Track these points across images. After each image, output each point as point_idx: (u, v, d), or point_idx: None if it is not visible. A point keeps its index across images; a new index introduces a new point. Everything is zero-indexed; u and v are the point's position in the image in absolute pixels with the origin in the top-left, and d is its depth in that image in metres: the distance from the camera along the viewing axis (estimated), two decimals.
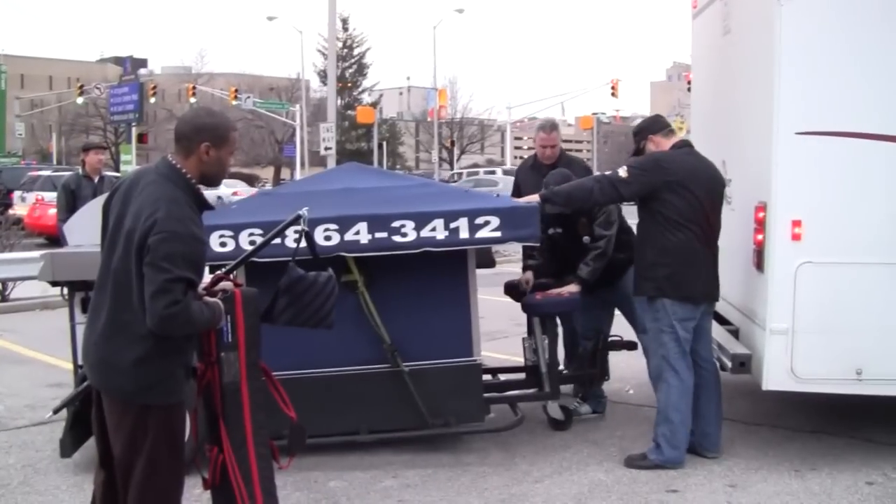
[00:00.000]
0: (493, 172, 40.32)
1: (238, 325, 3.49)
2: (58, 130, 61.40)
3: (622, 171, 5.18)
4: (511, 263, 15.80)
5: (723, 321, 5.83)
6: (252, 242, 4.79)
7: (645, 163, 5.21)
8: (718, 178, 5.28)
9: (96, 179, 9.20)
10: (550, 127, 6.46)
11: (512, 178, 7.35)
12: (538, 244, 5.39)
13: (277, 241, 4.69)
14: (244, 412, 3.52)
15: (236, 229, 4.94)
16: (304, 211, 3.80)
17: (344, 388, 5.34)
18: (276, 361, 5.18)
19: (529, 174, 6.50)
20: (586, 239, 5.76)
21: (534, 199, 5.37)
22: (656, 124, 5.47)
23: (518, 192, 6.39)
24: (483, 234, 5.05)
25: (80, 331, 5.30)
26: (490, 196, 5.74)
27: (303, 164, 46.40)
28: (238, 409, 3.50)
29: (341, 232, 4.98)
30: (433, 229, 5.02)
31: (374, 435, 5.38)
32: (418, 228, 5.01)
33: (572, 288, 5.74)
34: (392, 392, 5.35)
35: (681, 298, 5.07)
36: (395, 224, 5.00)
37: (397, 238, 5.01)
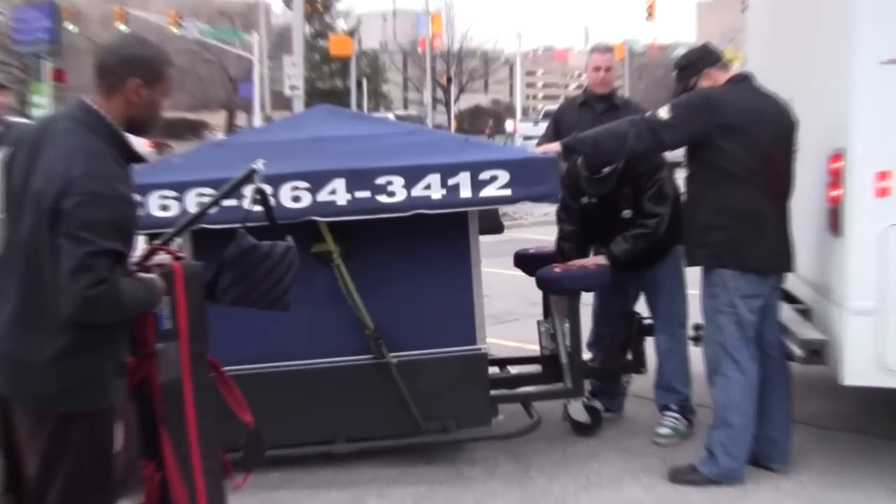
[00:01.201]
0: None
1: (179, 309, 3.45)
2: None
3: (664, 112, 5.15)
4: (522, 228, 15.94)
5: (790, 299, 5.81)
6: (201, 205, 4.75)
7: (692, 101, 5.18)
8: (787, 118, 5.22)
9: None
10: (605, 47, 6.65)
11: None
12: (557, 203, 5.38)
13: (232, 202, 4.73)
14: (188, 418, 3.49)
15: (181, 188, 4.94)
16: (259, 164, 3.81)
17: (316, 386, 5.34)
18: (229, 353, 5.18)
19: (578, 115, 6.48)
20: (626, 213, 5.78)
21: (552, 148, 5.38)
22: (711, 55, 5.43)
23: (557, 136, 6.36)
24: (489, 192, 5.06)
25: None
26: (497, 145, 5.76)
27: (263, 108, 46.31)
28: (180, 415, 3.47)
29: (313, 191, 4.97)
30: (427, 187, 5.02)
31: (353, 444, 5.39)
32: (409, 186, 5.01)
33: (598, 260, 5.75)
34: (376, 390, 5.35)
35: (743, 269, 5.05)
36: (380, 181, 5.00)
37: (382, 198, 5.00)
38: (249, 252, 3.74)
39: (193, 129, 47.27)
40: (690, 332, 5.95)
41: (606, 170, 5.57)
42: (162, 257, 3.53)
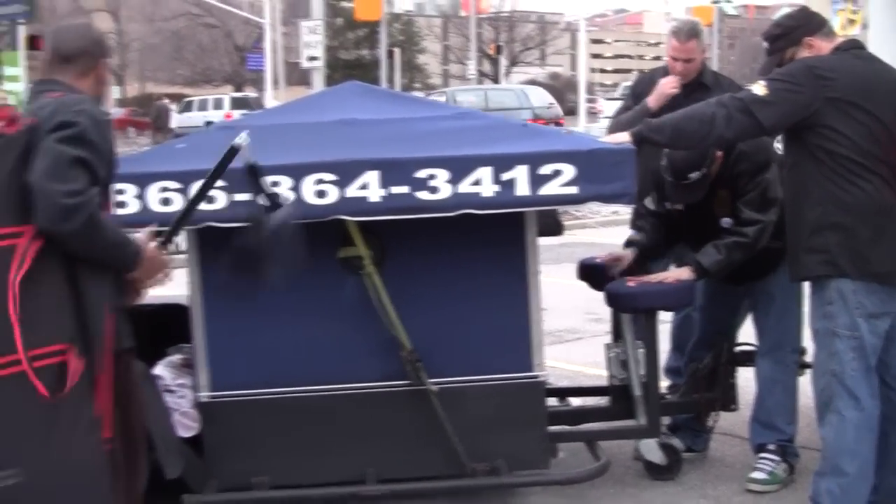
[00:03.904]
0: None
1: None
2: None
3: (758, 88, 5.05)
4: (586, 230, 15.90)
5: None
6: (210, 199, 4.83)
7: (793, 72, 5.07)
8: None
9: None
10: (688, 33, 6.50)
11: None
12: (631, 205, 5.38)
13: (245, 196, 4.82)
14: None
15: (185, 179, 4.94)
16: (241, 138, 4.17)
17: (342, 416, 5.40)
18: (238, 375, 5.32)
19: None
20: (726, 221, 5.70)
21: (623, 137, 5.34)
22: (813, 20, 5.34)
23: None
24: (550, 189, 5.05)
25: None
26: (559, 133, 5.74)
27: (276, 83, 46.53)
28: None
29: (341, 185, 4.99)
30: (476, 182, 5.02)
31: (385, 486, 5.41)
32: (455, 181, 5.02)
33: (682, 273, 5.73)
34: (413, 422, 5.40)
35: (868, 278, 4.92)
36: (421, 174, 5.01)
37: (423, 195, 5.02)
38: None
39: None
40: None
41: (695, 175, 5.52)
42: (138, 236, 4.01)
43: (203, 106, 48.25)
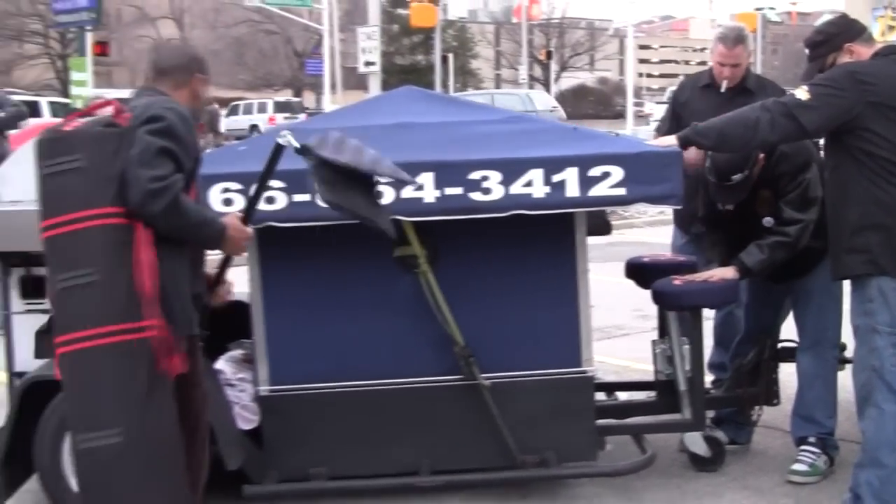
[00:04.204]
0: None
1: None
2: None
3: (801, 93, 5.06)
4: (633, 230, 15.88)
5: None
6: (270, 199, 4.89)
7: (835, 77, 5.07)
8: None
9: None
10: (735, 39, 6.46)
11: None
12: (678, 206, 5.37)
13: (305, 197, 4.89)
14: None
15: (247, 180, 4.93)
16: (285, 137, 4.35)
17: (396, 409, 5.43)
18: (296, 369, 5.35)
19: (701, 98, 6.51)
20: (767, 221, 5.69)
21: (670, 141, 5.34)
22: (853, 27, 5.33)
23: (677, 124, 6.39)
24: (599, 190, 5.07)
25: (20, 324, 5.50)
26: (608, 136, 5.74)
27: (333, 87, 46.63)
28: None
29: (396, 186, 5.02)
30: (528, 184, 5.04)
31: (438, 477, 5.44)
32: (507, 182, 5.04)
33: (726, 272, 5.71)
34: (465, 416, 5.42)
35: None
36: (474, 176, 5.03)
37: (476, 196, 5.04)
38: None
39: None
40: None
41: (738, 177, 5.49)
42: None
43: (248, 109, 48.49)
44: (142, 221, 3.99)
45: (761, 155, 5.52)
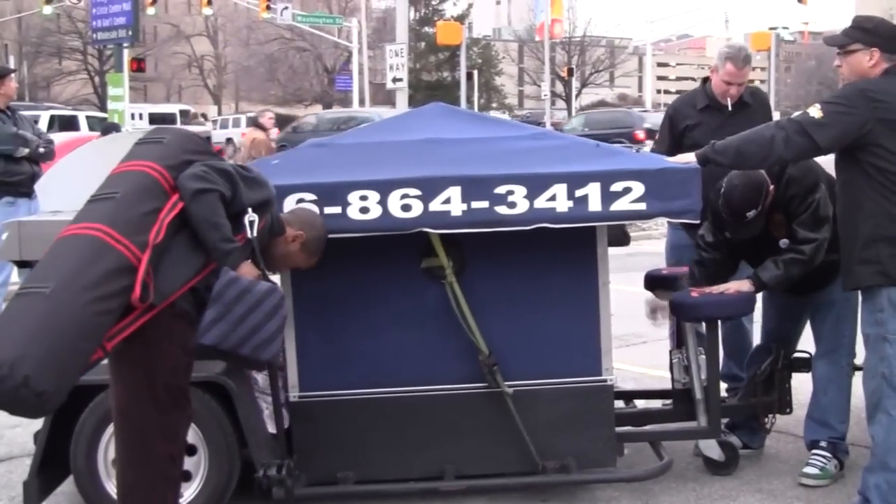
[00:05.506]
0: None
1: None
2: (17, 52, 62.49)
3: (814, 111, 5.08)
4: (651, 241, 15.81)
5: None
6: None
7: (847, 95, 5.08)
8: None
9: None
10: (745, 59, 6.49)
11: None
12: (697, 220, 5.36)
13: (336, 209, 4.87)
14: None
15: (278, 193, 4.94)
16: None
17: (422, 415, 5.43)
18: (327, 377, 5.36)
19: (701, 117, 6.52)
20: (784, 242, 5.66)
21: (689, 158, 5.33)
22: (892, 40, 5.16)
23: (674, 142, 6.42)
24: (621, 205, 5.06)
25: None
26: (629, 152, 5.72)
27: (362, 102, 46.78)
28: None
29: (425, 199, 5.02)
30: (552, 198, 5.03)
31: (462, 481, 5.44)
32: (531, 196, 5.03)
33: (742, 285, 5.70)
34: (488, 422, 5.42)
35: None
36: (500, 190, 5.03)
37: (502, 209, 5.03)
38: (228, 286, 4.15)
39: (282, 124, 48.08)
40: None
41: (752, 213, 5.47)
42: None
43: (224, 124, 48.14)
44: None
45: (772, 187, 5.51)
